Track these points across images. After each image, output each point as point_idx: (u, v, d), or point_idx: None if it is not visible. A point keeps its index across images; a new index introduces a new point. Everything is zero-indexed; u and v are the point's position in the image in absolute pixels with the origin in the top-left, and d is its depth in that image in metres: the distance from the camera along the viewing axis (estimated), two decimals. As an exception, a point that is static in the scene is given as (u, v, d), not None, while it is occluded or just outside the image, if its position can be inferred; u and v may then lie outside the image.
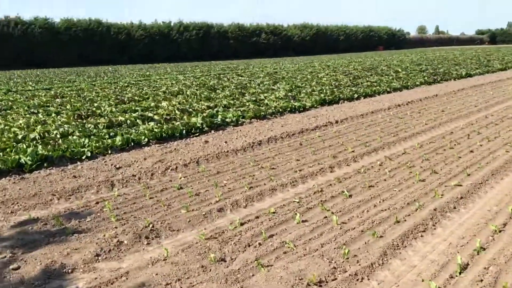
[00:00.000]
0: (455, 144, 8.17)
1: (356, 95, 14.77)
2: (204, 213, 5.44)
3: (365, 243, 4.50)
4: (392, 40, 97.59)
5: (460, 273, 3.83)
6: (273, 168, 7.19)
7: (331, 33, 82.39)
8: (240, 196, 5.96)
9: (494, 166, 6.75)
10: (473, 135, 8.83)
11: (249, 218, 5.27)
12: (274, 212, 5.39)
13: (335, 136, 9.27)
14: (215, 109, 12.33)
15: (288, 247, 4.46)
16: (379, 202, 5.58)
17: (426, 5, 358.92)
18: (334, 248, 4.38)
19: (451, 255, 4.17)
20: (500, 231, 4.60)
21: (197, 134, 9.94)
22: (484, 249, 4.23)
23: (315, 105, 13.21)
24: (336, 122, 10.76)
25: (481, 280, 3.69)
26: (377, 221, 4.99)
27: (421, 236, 4.65)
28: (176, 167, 7.45)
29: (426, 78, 19.49)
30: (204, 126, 10.35)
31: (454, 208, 5.32)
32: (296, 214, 5.26)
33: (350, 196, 5.82)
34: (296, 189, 6.26)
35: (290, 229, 4.92)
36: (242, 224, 5.10)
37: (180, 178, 6.90)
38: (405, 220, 5.00)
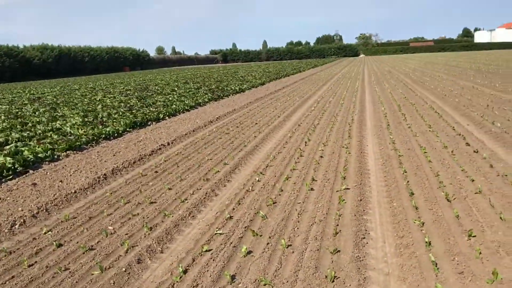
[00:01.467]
0: (301, 152, 8.70)
1: (161, 115, 14.30)
2: (124, 269, 4.37)
3: (332, 261, 4.34)
4: (137, 60, 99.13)
5: None
6: (153, 202, 6.31)
7: (75, 54, 78.43)
8: (148, 240, 5.02)
9: (360, 167, 7.45)
10: (308, 142, 9.58)
11: (186, 262, 4.47)
12: (208, 250, 4.71)
13: (184, 158, 8.75)
14: (13, 145, 10.13)
15: (265, 284, 3.95)
16: (299, 216, 5.47)
17: (162, 27, 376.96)
18: (313, 274, 4.08)
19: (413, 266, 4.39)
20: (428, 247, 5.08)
21: (11, 177, 7.97)
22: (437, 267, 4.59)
23: (128, 129, 12.23)
24: (168, 144, 10.18)
25: None
26: (318, 236, 4.88)
27: (366, 242, 4.76)
28: (24, 221, 5.80)
29: (210, 95, 20.31)
30: (16, 166, 8.36)
31: (364, 210, 5.63)
32: (235, 247, 4.72)
33: (266, 216, 5.55)
34: (201, 221, 5.63)
35: (245, 264, 4.38)
36: (185, 272, 4.28)
37: (45, 233, 5.39)
38: (340, 231, 5.03)
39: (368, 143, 9.38)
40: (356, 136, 9.96)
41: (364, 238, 4.84)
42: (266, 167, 7.84)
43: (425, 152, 8.04)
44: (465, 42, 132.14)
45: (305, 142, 9.55)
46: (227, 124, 12.48)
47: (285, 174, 7.25)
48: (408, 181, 6.55)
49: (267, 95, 20.65)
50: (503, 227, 4.82)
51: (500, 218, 5.03)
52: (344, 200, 5.95)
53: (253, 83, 27.65)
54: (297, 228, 5.15)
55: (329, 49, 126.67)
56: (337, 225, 5.17)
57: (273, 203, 5.99)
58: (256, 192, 6.51)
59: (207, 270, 4.27)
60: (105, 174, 7.78)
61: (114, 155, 9.24)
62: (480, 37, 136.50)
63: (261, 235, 5.00)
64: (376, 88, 20.91)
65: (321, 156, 8.32)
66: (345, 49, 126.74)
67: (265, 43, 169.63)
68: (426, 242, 4.56)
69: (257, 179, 7.13)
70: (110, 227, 5.48)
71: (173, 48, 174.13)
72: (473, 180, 6.36)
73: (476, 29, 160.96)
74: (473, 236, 4.63)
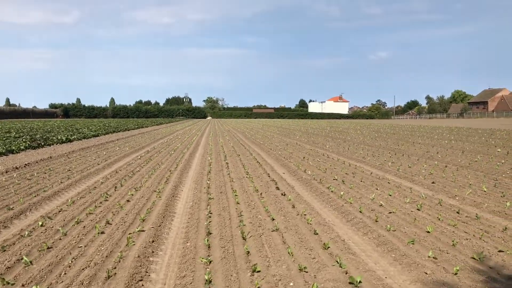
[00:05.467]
0: (107, 197, 7.90)
1: (-45, 161, 12.18)
2: None
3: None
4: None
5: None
6: None
7: None
8: None
9: (166, 210, 6.90)
10: (119, 188, 8.82)
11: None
12: None
13: (-41, 204, 7.27)
14: None
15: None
16: (73, 260, 4.66)
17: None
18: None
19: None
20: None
21: None
22: None
23: None
24: None
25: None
26: (86, 281, 4.13)
27: (142, 285, 4.16)
28: None
29: (29, 143, 18.27)
30: None
31: (152, 252, 5.06)
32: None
33: (30, 262, 4.61)
34: None
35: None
36: None
37: None
38: (115, 274, 4.36)
39: (185, 188, 9.00)
40: (174, 182, 9.50)
41: (141, 280, 4.24)
42: (59, 211, 6.86)
43: (235, 195, 7.89)
44: (301, 111, 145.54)
45: (115, 188, 8.76)
46: (33, 171, 11.04)
47: (76, 219, 6.35)
48: (210, 222, 6.22)
49: (97, 145, 19.34)
50: (288, 261, 4.67)
51: (288, 253, 4.90)
52: (133, 242, 5.31)
53: (85, 134, 25.95)
54: (65, 274, 4.33)
55: (178, 110, 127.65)
56: (115, 267, 4.49)
57: (47, 247, 5.08)
58: (33, 237, 5.51)
59: None
60: None
61: None
62: (313, 108, 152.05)
63: (13, 284, 4.06)
64: (210, 142, 21.12)
65: (128, 201, 7.63)
66: (194, 111, 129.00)
67: (112, 100, 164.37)
68: (206, 280, 4.14)
69: (40, 223, 6.11)
70: None
71: (7, 100, 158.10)
72: (273, 219, 6.30)
73: (310, 101, 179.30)
74: (257, 271, 4.37)
